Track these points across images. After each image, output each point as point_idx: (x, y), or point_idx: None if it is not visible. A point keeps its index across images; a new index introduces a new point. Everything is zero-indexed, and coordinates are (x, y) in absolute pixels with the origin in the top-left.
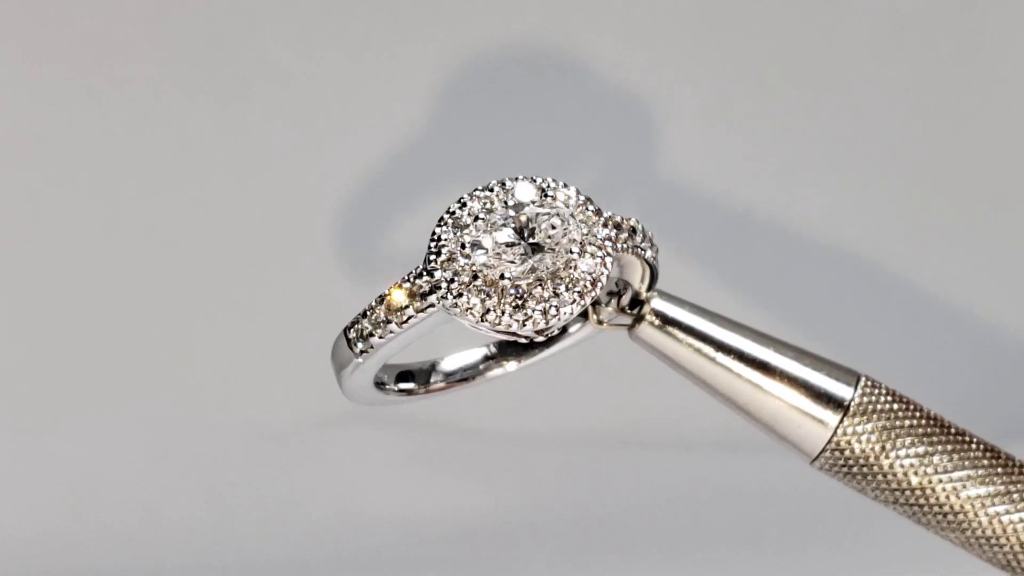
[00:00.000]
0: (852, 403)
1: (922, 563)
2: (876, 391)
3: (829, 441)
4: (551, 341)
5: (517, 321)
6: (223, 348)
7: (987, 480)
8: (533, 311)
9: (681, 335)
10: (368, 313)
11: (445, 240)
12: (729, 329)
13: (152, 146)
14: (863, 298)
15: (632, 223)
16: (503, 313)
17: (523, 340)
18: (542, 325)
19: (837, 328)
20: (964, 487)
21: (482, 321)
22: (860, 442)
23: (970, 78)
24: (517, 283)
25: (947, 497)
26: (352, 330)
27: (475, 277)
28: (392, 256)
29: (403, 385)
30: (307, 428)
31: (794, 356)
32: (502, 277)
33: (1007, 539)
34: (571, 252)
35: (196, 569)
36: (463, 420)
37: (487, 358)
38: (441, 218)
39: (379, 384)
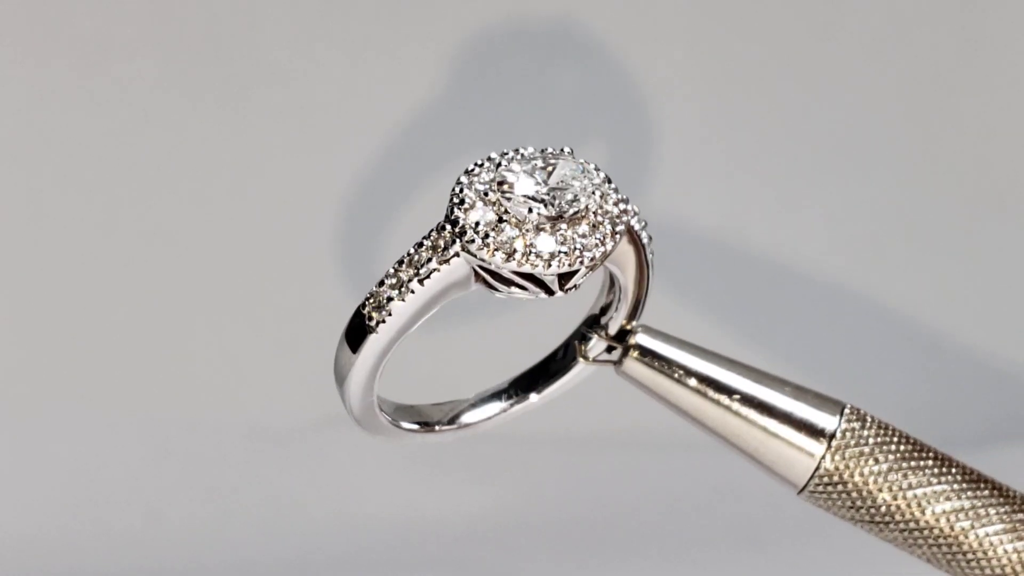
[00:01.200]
0: (837, 433)
1: (918, 564)
2: (860, 420)
3: (815, 471)
4: (552, 376)
5: (544, 261)
6: (223, 348)
7: (976, 504)
8: (559, 251)
9: (666, 369)
10: (385, 280)
11: (467, 192)
12: (713, 363)
13: (152, 146)
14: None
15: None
16: (528, 253)
17: (543, 295)
18: (566, 266)
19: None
20: (951, 512)
21: (509, 260)
22: (845, 471)
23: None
24: (542, 226)
25: (936, 522)
26: (367, 303)
27: (500, 220)
28: (392, 256)
29: (415, 425)
30: (307, 429)
31: (778, 388)
32: (530, 211)
33: (997, 561)
34: (594, 195)
35: (196, 569)
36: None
37: (504, 396)
38: (460, 176)
39: (393, 423)
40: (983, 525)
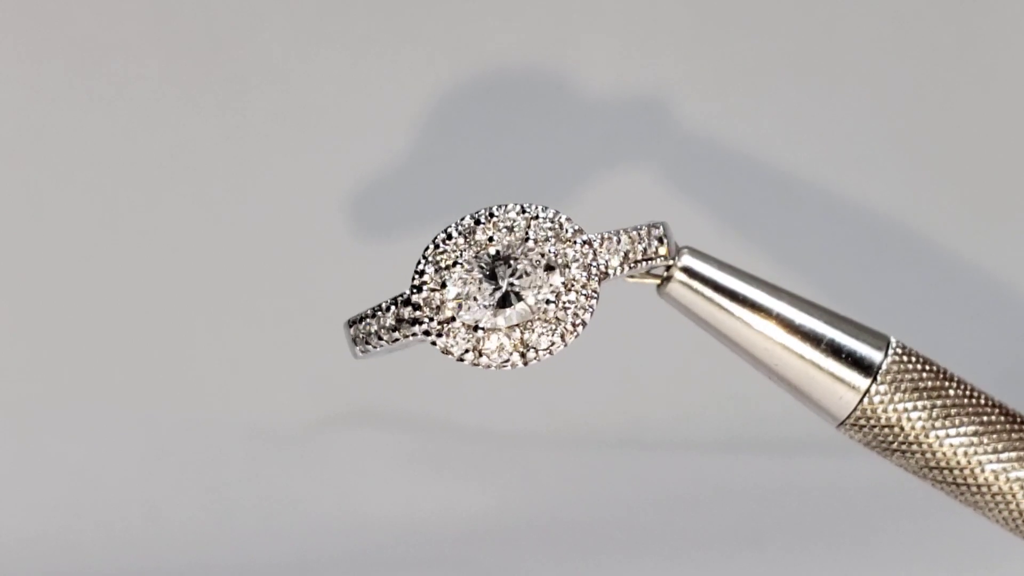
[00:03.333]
0: (882, 367)
1: (922, 564)
2: (907, 356)
3: (857, 405)
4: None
5: (496, 364)
6: (223, 348)
7: (1016, 447)
8: (511, 355)
9: (710, 292)
10: (365, 319)
11: (428, 276)
12: (759, 288)
13: (152, 146)
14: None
15: (631, 234)
16: (482, 354)
17: (507, 367)
18: (520, 366)
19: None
20: (992, 456)
21: (461, 359)
22: (888, 408)
23: (973, 85)
24: (497, 328)
25: (974, 465)
26: (355, 327)
27: (453, 319)
28: (393, 256)
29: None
30: (307, 428)
31: (824, 318)
32: (475, 328)
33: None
34: (551, 286)
35: (196, 569)
36: (463, 420)
37: None
38: (425, 249)
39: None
40: (1015, 470)
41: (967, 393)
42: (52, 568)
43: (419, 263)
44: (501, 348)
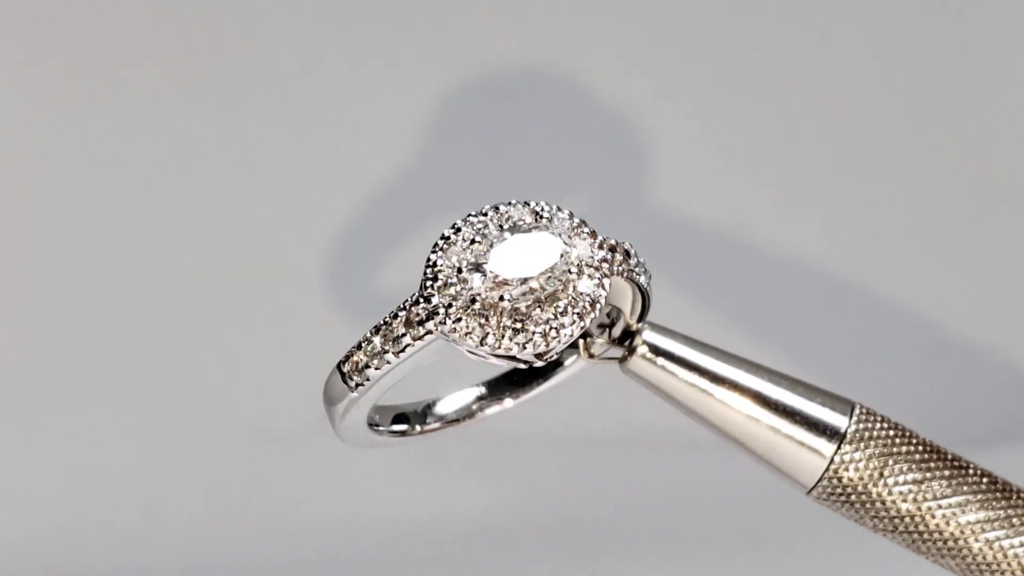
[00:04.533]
0: (848, 432)
1: (922, 563)
2: (871, 419)
3: (825, 471)
4: (544, 375)
5: (517, 344)
6: (223, 348)
7: (985, 506)
8: (533, 333)
9: (673, 367)
10: (363, 344)
11: (441, 266)
12: (721, 360)
13: (152, 147)
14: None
15: (626, 246)
16: (503, 336)
17: (523, 365)
18: (542, 348)
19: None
20: (962, 513)
21: (481, 345)
22: (856, 471)
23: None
24: (516, 306)
25: (945, 523)
26: (347, 363)
27: (473, 301)
28: (393, 256)
29: (397, 427)
30: (307, 428)
31: (789, 387)
32: (501, 299)
33: (1007, 564)
34: (569, 273)
35: (196, 569)
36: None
37: (481, 398)
38: (435, 244)
39: (372, 425)
40: (993, 529)
41: (932, 452)
42: (52, 568)
43: (430, 258)
44: (520, 330)
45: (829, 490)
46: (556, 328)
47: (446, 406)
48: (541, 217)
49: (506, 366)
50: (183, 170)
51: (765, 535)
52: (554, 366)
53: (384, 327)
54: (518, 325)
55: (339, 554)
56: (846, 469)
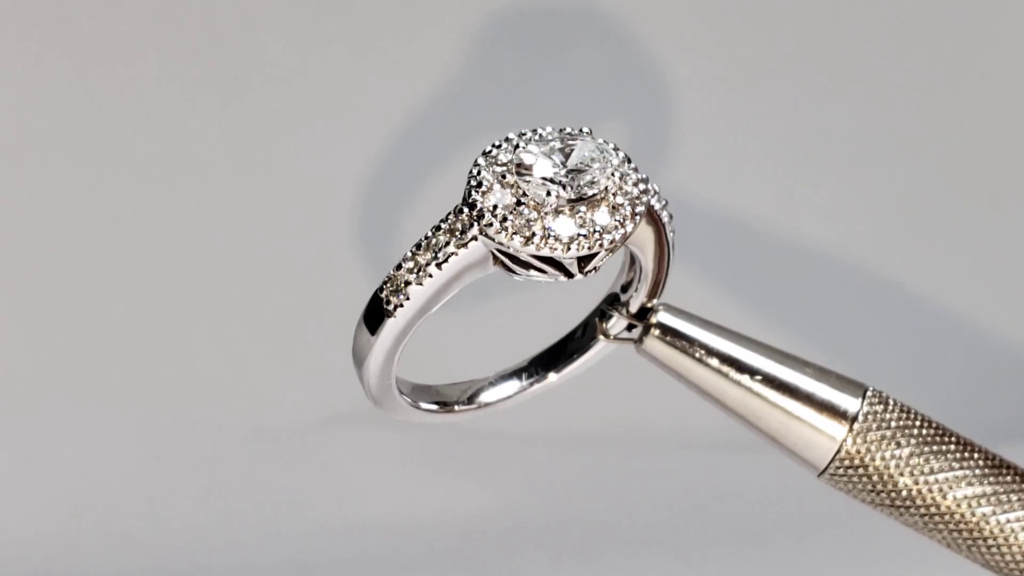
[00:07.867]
0: (859, 415)
1: (922, 563)
2: (883, 403)
3: (836, 453)
4: (569, 356)
5: (563, 244)
6: (223, 348)
7: (994, 489)
8: (578, 234)
9: (688, 348)
10: (402, 264)
11: (485, 174)
12: (736, 342)
13: (152, 146)
14: (864, 304)
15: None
16: (548, 237)
17: (563, 277)
18: (585, 249)
19: (840, 335)
20: (972, 497)
21: (527, 244)
22: (867, 454)
23: (968, 83)
24: (561, 208)
25: (956, 505)
26: (385, 287)
27: (519, 203)
28: (402, 250)
29: (433, 405)
30: (307, 429)
31: (801, 369)
32: (548, 194)
33: (1018, 547)
34: (614, 176)
35: (196, 570)
36: (463, 420)
37: (523, 375)
38: (478, 158)
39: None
40: (1004, 511)
41: (943, 436)
42: (52, 568)
43: (473, 168)
44: (567, 230)
45: (839, 473)
46: (599, 231)
47: (491, 396)
48: (583, 132)
49: (543, 280)
50: (182, 169)
51: (766, 535)
52: (579, 351)
53: (424, 241)
54: (563, 222)
55: (339, 554)
56: (857, 451)
